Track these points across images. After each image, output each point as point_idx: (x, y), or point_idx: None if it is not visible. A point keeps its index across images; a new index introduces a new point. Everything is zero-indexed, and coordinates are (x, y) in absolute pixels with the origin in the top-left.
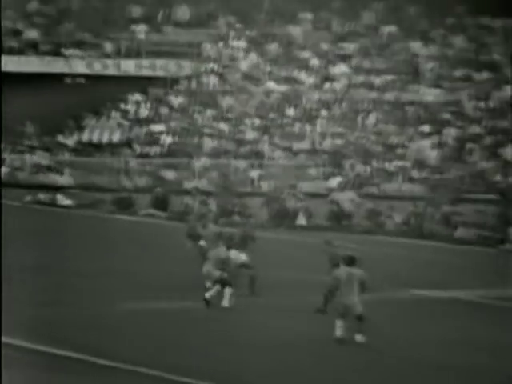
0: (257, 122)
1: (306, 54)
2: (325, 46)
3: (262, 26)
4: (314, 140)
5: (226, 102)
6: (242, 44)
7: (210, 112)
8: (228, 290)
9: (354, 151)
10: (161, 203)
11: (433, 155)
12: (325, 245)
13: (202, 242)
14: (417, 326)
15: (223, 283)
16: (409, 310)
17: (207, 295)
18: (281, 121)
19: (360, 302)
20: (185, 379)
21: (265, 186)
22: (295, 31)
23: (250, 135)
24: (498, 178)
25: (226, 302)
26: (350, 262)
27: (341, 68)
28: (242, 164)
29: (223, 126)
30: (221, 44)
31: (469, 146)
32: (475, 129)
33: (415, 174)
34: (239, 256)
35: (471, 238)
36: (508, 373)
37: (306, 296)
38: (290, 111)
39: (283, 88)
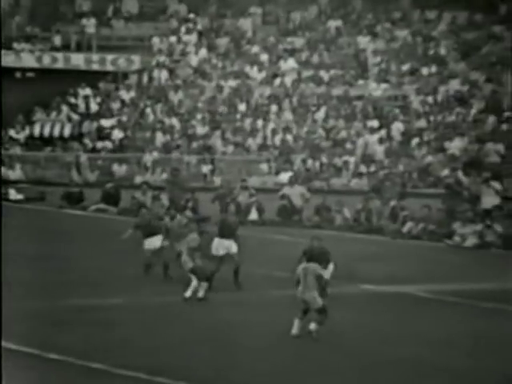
0: (208, 117)
1: (255, 49)
2: (274, 41)
3: (212, 20)
4: (265, 135)
5: (177, 96)
6: (193, 38)
7: (160, 107)
8: (204, 284)
9: (303, 146)
10: (111, 198)
11: (380, 150)
12: (311, 240)
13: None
14: (366, 321)
15: (198, 276)
16: (358, 304)
17: (187, 294)
18: (232, 116)
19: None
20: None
21: (217, 181)
22: (246, 25)
23: (202, 130)
24: (445, 172)
25: (201, 293)
26: (310, 257)
27: (290, 63)
28: (193, 159)
29: (174, 121)
30: (171, 38)
31: (416, 140)
32: (422, 123)
33: (363, 168)
34: (230, 245)
35: (419, 233)
36: (448, 365)
37: (272, 291)
38: (242, 106)
39: (234, 83)
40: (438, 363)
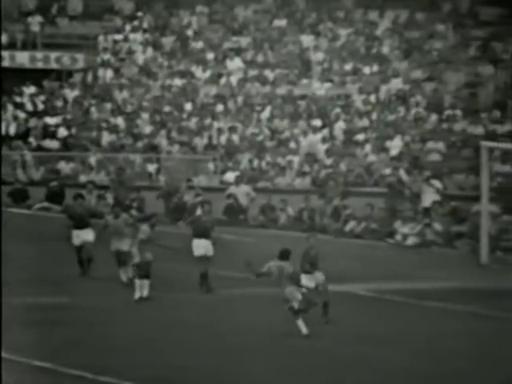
0: (153, 116)
1: (201, 48)
2: (220, 40)
3: (157, 18)
4: (211, 134)
5: (122, 95)
6: (139, 37)
7: (106, 106)
8: (146, 282)
9: (249, 146)
10: (56, 197)
11: (323, 149)
12: (307, 238)
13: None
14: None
15: (139, 272)
16: None
17: (136, 296)
18: (178, 115)
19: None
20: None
21: (163, 179)
22: (192, 24)
23: (147, 129)
24: (387, 171)
25: (145, 293)
26: (283, 256)
27: (236, 62)
28: (138, 158)
29: (119, 120)
30: (116, 37)
31: (358, 139)
32: (364, 122)
33: (306, 168)
34: (208, 246)
35: (361, 232)
36: (392, 363)
37: (221, 290)
38: (188, 106)
39: (180, 82)
40: (382, 362)
